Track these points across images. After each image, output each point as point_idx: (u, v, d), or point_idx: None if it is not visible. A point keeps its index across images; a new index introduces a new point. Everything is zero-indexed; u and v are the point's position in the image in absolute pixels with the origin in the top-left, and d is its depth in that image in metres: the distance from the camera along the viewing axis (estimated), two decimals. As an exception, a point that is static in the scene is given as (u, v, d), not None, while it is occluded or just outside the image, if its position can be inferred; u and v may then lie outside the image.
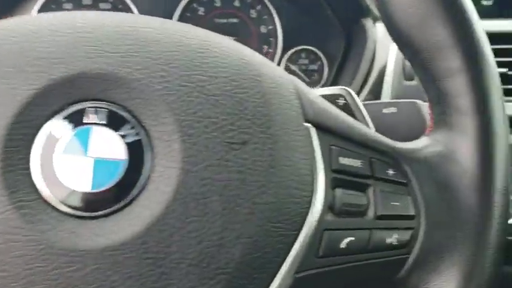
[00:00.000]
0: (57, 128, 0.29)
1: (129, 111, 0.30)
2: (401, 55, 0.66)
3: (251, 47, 0.35)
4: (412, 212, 0.34)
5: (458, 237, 0.34)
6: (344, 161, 0.33)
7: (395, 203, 0.33)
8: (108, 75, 0.30)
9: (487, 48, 0.35)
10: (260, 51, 0.81)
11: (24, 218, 0.27)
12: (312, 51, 0.79)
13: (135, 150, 0.29)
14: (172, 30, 0.32)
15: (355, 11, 0.73)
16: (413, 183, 0.34)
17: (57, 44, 0.30)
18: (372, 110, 0.47)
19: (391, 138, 0.36)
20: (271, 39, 0.79)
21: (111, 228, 0.28)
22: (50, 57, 0.30)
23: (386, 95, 0.66)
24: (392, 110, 0.47)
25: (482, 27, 0.36)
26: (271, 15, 0.80)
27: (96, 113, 0.29)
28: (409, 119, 0.47)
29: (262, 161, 0.30)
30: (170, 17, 0.81)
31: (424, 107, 0.47)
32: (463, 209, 0.34)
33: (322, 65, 0.79)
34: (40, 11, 0.79)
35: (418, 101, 0.47)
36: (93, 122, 0.29)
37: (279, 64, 0.82)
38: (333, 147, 0.33)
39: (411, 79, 0.65)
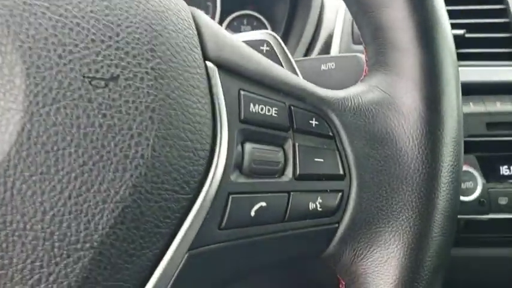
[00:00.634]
0: None
1: None
2: (349, 17, 0.60)
3: None
4: (340, 171, 0.29)
5: (398, 201, 0.29)
6: (256, 109, 0.27)
7: (319, 160, 0.28)
8: None
9: None
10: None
11: None
12: (254, 16, 0.72)
13: None
14: None
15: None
16: (342, 136, 0.29)
17: None
18: (308, 67, 0.41)
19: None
20: (208, 3, 0.72)
21: None
22: None
23: (333, 61, 0.60)
24: (331, 65, 0.40)
25: None
26: (208, -23, 0.73)
27: None
28: (349, 75, 0.40)
29: (138, 102, 0.24)
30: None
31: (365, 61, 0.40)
32: (404, 166, 0.29)
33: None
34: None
35: (359, 54, 0.41)
36: None
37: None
38: (243, 92, 0.27)
39: (360, 43, 0.59)
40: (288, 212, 0.27)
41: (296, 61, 0.38)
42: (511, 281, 0.63)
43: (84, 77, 0.23)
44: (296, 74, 0.35)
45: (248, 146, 0.27)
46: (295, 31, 0.65)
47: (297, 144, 0.28)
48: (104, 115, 0.23)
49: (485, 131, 0.59)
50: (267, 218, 0.27)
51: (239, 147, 0.27)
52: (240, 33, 0.35)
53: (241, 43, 0.29)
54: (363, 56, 0.42)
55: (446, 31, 0.30)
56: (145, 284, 0.24)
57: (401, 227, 0.28)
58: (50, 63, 0.23)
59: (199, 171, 0.25)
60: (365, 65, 0.32)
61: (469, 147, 0.57)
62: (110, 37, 0.24)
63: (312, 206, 0.28)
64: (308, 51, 0.61)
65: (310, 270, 0.34)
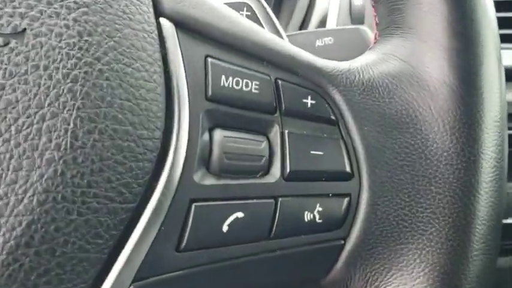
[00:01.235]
0: None
1: None
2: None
3: None
4: (346, 168, 0.23)
5: (425, 209, 0.23)
6: (229, 83, 0.21)
7: (317, 152, 0.22)
8: None
9: None
10: None
11: None
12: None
13: None
14: None
15: None
16: (348, 121, 0.23)
17: None
18: (300, 43, 0.34)
19: None
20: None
21: None
22: None
23: (329, 43, 0.54)
24: (328, 40, 0.33)
25: None
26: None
27: None
28: (351, 52, 0.33)
29: (54, 69, 0.18)
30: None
31: (369, 33, 0.34)
32: (433, 161, 0.23)
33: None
34: None
35: (361, 26, 0.34)
36: None
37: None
38: (211, 59, 0.21)
39: (360, 22, 0.53)
40: (274, 225, 0.21)
41: (287, 35, 0.32)
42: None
43: None
44: (282, 37, 0.28)
45: (218, 134, 0.21)
46: (285, 8, 0.59)
47: (286, 131, 0.22)
48: (2, 86, 0.17)
49: (508, 123, 0.53)
50: (246, 234, 0.21)
51: (206, 135, 0.21)
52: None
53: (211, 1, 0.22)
54: (367, 29, 0.35)
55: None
56: None
57: (430, 244, 0.23)
58: None
59: (147, 169, 0.19)
60: (375, 29, 0.26)
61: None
62: None
63: (308, 216, 0.22)
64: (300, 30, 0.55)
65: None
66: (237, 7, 0.29)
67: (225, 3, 0.29)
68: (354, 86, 0.24)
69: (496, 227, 0.23)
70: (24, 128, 0.17)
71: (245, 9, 0.29)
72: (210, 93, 0.21)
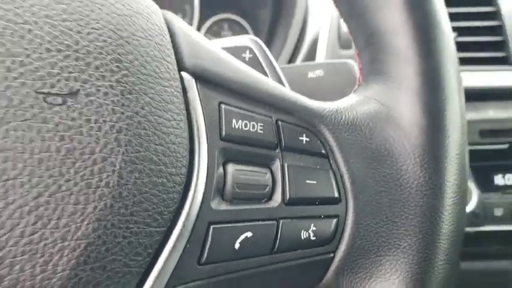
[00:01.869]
0: None
1: None
2: (337, 22, 0.57)
3: None
4: (335, 194, 0.26)
5: (399, 226, 0.26)
6: (239, 125, 0.25)
7: (311, 182, 0.26)
8: None
9: None
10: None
11: None
12: (236, 21, 0.69)
13: None
14: None
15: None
16: (336, 154, 0.27)
17: None
18: (293, 75, 0.38)
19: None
20: (186, 7, 0.69)
21: None
22: None
23: (319, 67, 0.57)
24: (319, 73, 0.37)
25: None
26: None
27: None
28: (340, 84, 0.38)
29: (102, 122, 0.21)
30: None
31: (356, 67, 0.37)
32: (405, 187, 0.26)
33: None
34: None
35: (349, 61, 0.38)
36: None
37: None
38: (224, 106, 0.25)
39: (348, 47, 0.56)
40: (277, 242, 0.24)
41: (281, 68, 0.35)
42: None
43: (37, 92, 0.20)
44: (282, 84, 0.32)
45: (231, 168, 0.24)
46: (278, 36, 0.62)
47: (286, 164, 0.25)
48: (62, 137, 0.20)
49: (479, 139, 0.57)
50: (254, 250, 0.24)
51: (220, 169, 0.24)
52: (220, 39, 0.32)
53: (221, 50, 0.26)
54: (354, 63, 0.39)
55: (448, 35, 0.27)
56: None
57: (404, 256, 0.26)
58: None
59: (175, 199, 0.22)
60: (358, 74, 0.29)
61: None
62: (68, 46, 0.21)
63: (304, 234, 0.25)
64: (293, 57, 0.59)
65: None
66: (241, 50, 0.32)
67: (229, 47, 0.33)
68: (341, 125, 0.27)
69: (457, 241, 0.26)
70: (80, 170, 0.20)
71: (248, 52, 0.33)
72: (223, 134, 0.24)
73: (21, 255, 0.19)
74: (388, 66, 0.27)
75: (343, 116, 0.27)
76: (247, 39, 0.33)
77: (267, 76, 0.32)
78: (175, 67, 0.24)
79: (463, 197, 0.26)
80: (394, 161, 0.26)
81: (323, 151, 0.26)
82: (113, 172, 0.20)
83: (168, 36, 0.24)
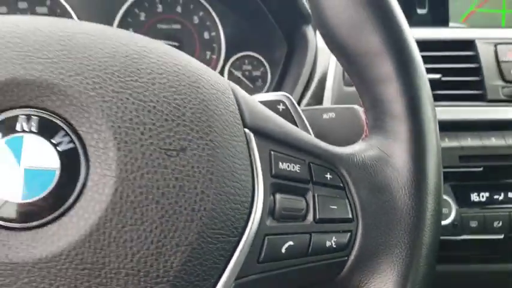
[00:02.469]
0: None
1: (63, 119, 0.29)
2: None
3: (194, 54, 0.35)
4: (349, 215, 0.34)
5: (393, 238, 0.34)
6: (283, 166, 0.33)
7: (333, 207, 0.34)
8: (40, 81, 0.29)
9: (417, 54, 0.37)
10: (203, 57, 0.80)
11: None
12: (255, 57, 0.79)
13: (69, 159, 0.28)
14: (107, 35, 0.32)
15: (296, 18, 0.74)
16: (350, 187, 0.35)
17: None
18: (311, 116, 0.48)
19: (331, 143, 0.37)
20: (214, 45, 0.79)
21: (45, 240, 0.27)
22: None
23: (327, 100, 0.67)
24: (331, 115, 0.48)
25: (417, 35, 0.37)
26: (214, 21, 0.80)
27: (28, 120, 0.28)
28: (347, 124, 0.48)
29: (201, 167, 0.29)
30: (111, 23, 0.79)
31: (361, 112, 0.48)
32: (398, 211, 0.35)
33: (265, 71, 0.80)
34: (-29, 14, 0.75)
35: (356, 106, 0.48)
36: (25, 130, 0.28)
37: (222, 70, 0.82)
38: (273, 152, 0.33)
39: (350, 85, 0.67)
40: (310, 248, 0.32)
41: (302, 110, 0.45)
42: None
43: (161, 149, 0.29)
44: (308, 130, 0.42)
45: (278, 196, 0.32)
46: (292, 71, 0.72)
47: (316, 194, 0.33)
48: (176, 178, 0.28)
49: (458, 163, 0.66)
50: (294, 253, 0.32)
51: (271, 197, 0.32)
52: (259, 94, 0.42)
53: (269, 111, 0.36)
54: (359, 108, 0.49)
55: (430, 102, 0.37)
56: None
57: (396, 259, 0.34)
58: (135, 138, 0.29)
59: (244, 218, 0.30)
60: (365, 126, 0.39)
61: (444, 177, 0.65)
62: (178, 117, 0.30)
63: (328, 243, 0.33)
64: (304, 92, 0.68)
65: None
66: (275, 103, 0.41)
67: (267, 100, 0.43)
68: (354, 165, 0.35)
69: (434, 250, 0.35)
70: (188, 199, 0.28)
71: (281, 104, 0.41)
72: (273, 172, 0.32)
73: (151, 256, 0.27)
74: (387, 125, 0.36)
75: (355, 159, 0.36)
76: (281, 95, 0.43)
77: (296, 124, 0.42)
78: (241, 126, 0.32)
79: (438, 217, 0.35)
80: (390, 193, 0.35)
81: (341, 185, 0.34)
82: (208, 201, 0.29)
83: (236, 105, 0.33)
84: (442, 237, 0.65)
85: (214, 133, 0.30)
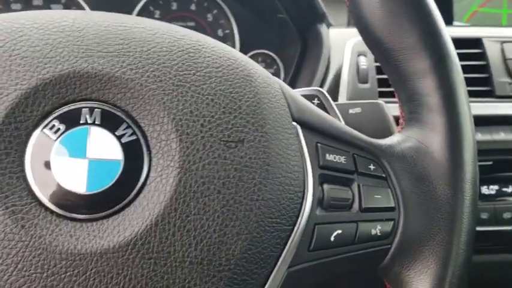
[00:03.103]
0: (51, 128, 0.28)
1: (125, 111, 0.29)
2: (355, 60, 0.69)
3: None
4: (392, 204, 0.36)
5: (433, 225, 0.36)
6: (330, 157, 0.34)
7: (377, 196, 0.35)
8: (101, 74, 0.29)
9: (452, 50, 0.38)
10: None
11: (19, 222, 0.26)
12: (269, 55, 0.81)
13: (133, 151, 0.29)
14: (163, 29, 0.32)
15: (310, 16, 0.76)
16: (392, 177, 0.36)
17: (45, 43, 0.29)
18: (339, 111, 0.49)
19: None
20: (228, 43, 0.80)
21: (111, 230, 0.28)
22: (38, 56, 0.29)
23: (342, 97, 0.69)
24: (357, 110, 0.49)
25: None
26: (228, 19, 0.81)
27: (91, 113, 0.29)
28: (372, 118, 0.49)
29: (258, 158, 0.31)
30: (126, 20, 0.79)
31: (385, 106, 0.49)
32: (437, 199, 0.36)
33: (278, 69, 0.81)
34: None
35: (380, 101, 0.50)
36: (89, 122, 0.29)
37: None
38: (319, 144, 0.34)
39: (365, 82, 0.68)
40: (356, 237, 0.34)
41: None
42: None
43: (220, 140, 0.30)
44: (340, 121, 0.43)
45: (326, 187, 0.33)
46: (305, 70, 0.73)
47: (361, 184, 0.35)
48: (235, 169, 0.30)
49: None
50: (342, 241, 0.33)
51: (319, 187, 0.33)
52: (296, 89, 0.43)
53: (312, 105, 0.37)
54: (383, 103, 0.51)
55: (465, 96, 0.38)
56: None
57: (436, 247, 0.35)
58: (196, 131, 0.30)
59: (297, 207, 0.32)
60: (401, 119, 0.40)
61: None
62: (235, 109, 0.31)
63: (373, 231, 0.35)
64: (320, 87, 0.69)
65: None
66: (311, 97, 0.42)
67: (303, 95, 0.44)
68: (394, 156, 0.36)
69: (472, 236, 0.36)
70: (247, 189, 0.29)
71: (316, 98, 0.43)
72: (321, 163, 0.33)
73: (214, 245, 0.28)
74: (424, 117, 0.37)
75: (395, 150, 0.37)
76: (315, 90, 0.44)
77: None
78: (291, 120, 0.33)
79: (475, 205, 0.37)
80: (430, 182, 0.36)
81: (384, 175, 0.36)
82: (266, 191, 0.30)
83: (284, 100, 0.34)
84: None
85: (268, 125, 0.32)
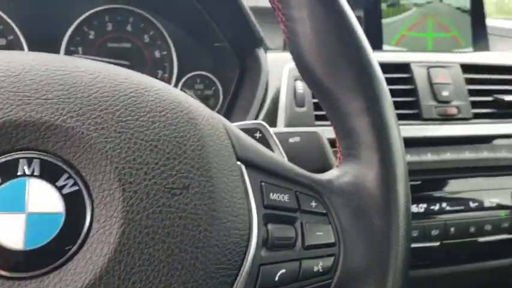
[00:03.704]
0: None
1: (66, 161, 0.28)
2: (292, 85, 0.71)
3: (145, 72, 0.35)
4: (333, 240, 0.36)
5: (370, 258, 0.36)
6: (274, 196, 0.34)
7: (319, 233, 0.36)
8: (40, 123, 0.28)
9: (385, 88, 0.40)
10: (155, 76, 0.80)
11: None
12: (207, 76, 0.80)
13: (74, 202, 0.28)
14: (104, 73, 0.32)
15: (248, 41, 0.76)
16: (332, 213, 0.37)
17: None
18: (279, 140, 0.49)
19: (297, 165, 0.39)
20: (165, 64, 0.79)
21: (52, 287, 0.27)
22: None
23: (281, 121, 0.70)
24: (296, 139, 0.50)
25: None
26: (165, 40, 0.80)
27: (29, 163, 0.28)
28: (310, 148, 0.50)
29: (203, 204, 0.30)
30: (60, 41, 0.76)
31: (322, 135, 0.51)
32: (374, 233, 0.37)
33: (217, 90, 0.81)
34: None
35: (317, 131, 0.51)
36: (27, 173, 0.27)
37: (174, 89, 0.81)
38: (263, 183, 0.34)
39: (302, 106, 0.70)
40: (300, 274, 0.34)
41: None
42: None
43: (164, 188, 0.29)
44: (283, 156, 0.44)
45: (270, 227, 0.33)
46: (244, 92, 0.74)
47: (303, 221, 0.35)
48: (180, 217, 0.29)
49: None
50: (287, 280, 0.33)
51: (264, 228, 0.33)
52: (237, 123, 0.43)
53: (255, 142, 0.37)
54: (320, 132, 0.52)
55: (398, 133, 0.40)
56: None
57: (373, 279, 0.36)
58: (139, 179, 0.29)
59: (243, 251, 0.31)
60: (339, 153, 0.42)
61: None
62: (180, 155, 0.30)
63: (315, 268, 0.35)
64: (258, 112, 0.70)
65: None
66: (253, 131, 0.42)
67: (244, 128, 0.45)
68: (333, 192, 0.37)
69: (407, 259, 0.38)
70: (192, 237, 0.29)
71: (258, 132, 0.43)
72: (265, 203, 0.33)
73: None
74: (361, 154, 0.39)
75: (334, 185, 0.38)
76: (257, 123, 0.45)
77: (273, 150, 0.44)
78: (235, 160, 0.33)
79: (408, 234, 0.38)
80: (367, 216, 0.37)
81: (324, 211, 0.36)
82: (211, 237, 0.30)
83: (228, 140, 0.34)
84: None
85: (214, 169, 0.32)
